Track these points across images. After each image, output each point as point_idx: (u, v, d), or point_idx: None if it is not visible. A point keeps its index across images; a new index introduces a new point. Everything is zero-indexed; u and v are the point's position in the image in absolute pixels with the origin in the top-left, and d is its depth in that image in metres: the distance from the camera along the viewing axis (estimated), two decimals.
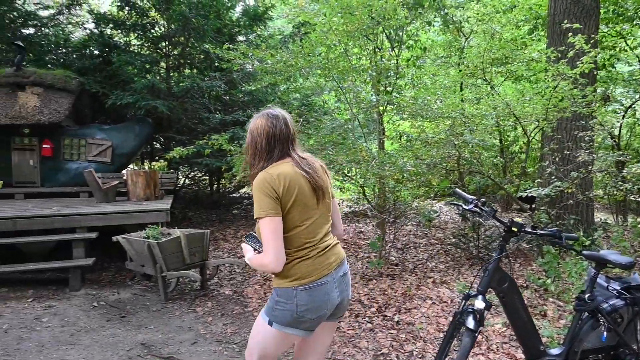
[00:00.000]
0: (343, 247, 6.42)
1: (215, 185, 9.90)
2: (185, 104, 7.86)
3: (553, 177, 4.35)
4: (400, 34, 7.48)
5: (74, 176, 6.87)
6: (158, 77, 7.63)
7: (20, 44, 6.74)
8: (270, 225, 1.73)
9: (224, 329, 3.76)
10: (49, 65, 8.02)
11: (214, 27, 7.95)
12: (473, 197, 2.42)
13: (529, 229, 2.28)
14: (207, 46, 7.95)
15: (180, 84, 7.64)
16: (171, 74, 8.51)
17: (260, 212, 1.75)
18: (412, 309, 3.95)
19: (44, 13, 8.95)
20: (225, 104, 8.75)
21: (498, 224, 2.30)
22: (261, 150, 1.87)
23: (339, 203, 10.32)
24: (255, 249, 1.86)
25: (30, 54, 8.16)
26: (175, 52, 8.66)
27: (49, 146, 6.77)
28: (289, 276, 1.82)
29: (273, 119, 1.88)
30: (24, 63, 6.98)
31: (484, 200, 2.37)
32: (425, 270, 5.08)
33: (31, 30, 8.67)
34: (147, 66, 7.97)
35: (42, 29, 8.93)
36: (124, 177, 6.65)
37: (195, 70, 8.79)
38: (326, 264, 1.86)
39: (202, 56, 8.57)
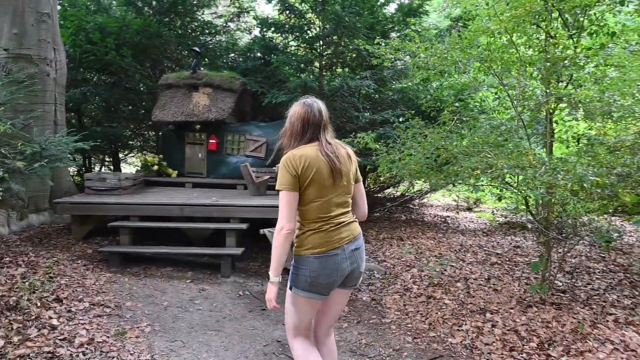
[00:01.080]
0: (496, 263, 5.74)
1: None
2: (335, 103, 7.92)
3: None
4: (581, 18, 6.34)
5: (233, 169, 7.46)
6: (311, 77, 7.83)
7: (197, 49, 7.58)
8: (285, 198, 2.06)
9: (358, 339, 3.56)
10: (219, 69, 8.89)
11: (366, 24, 7.84)
12: None
13: None
14: (358, 42, 7.89)
15: (331, 83, 7.71)
16: (324, 73, 8.69)
17: (279, 186, 2.09)
18: (585, 352, 3.21)
19: (218, 21, 9.99)
20: (374, 103, 8.60)
21: None
22: (296, 133, 2.17)
23: (493, 212, 9.37)
24: None
25: (206, 59, 9.17)
26: (329, 51, 8.81)
27: (214, 141, 7.47)
28: (304, 245, 2.13)
29: (308, 107, 2.16)
30: (199, 67, 7.84)
31: None
32: (604, 303, 4.15)
33: (207, 38, 9.75)
34: (302, 66, 8.26)
35: (216, 36, 9.99)
36: (275, 172, 6.97)
37: (346, 69, 8.84)
38: (338, 238, 2.12)
39: (353, 54, 8.56)
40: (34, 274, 4.37)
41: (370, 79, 7.51)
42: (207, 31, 9.70)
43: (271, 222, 5.50)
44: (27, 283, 4.01)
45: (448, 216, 9.56)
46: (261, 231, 5.01)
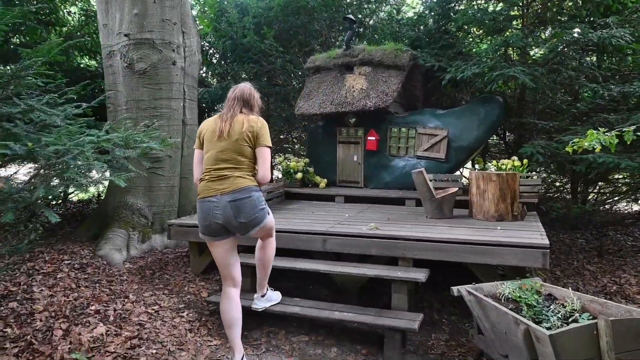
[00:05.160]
0: None
1: (579, 195, 6.75)
2: (552, 75, 5.21)
3: None
4: None
5: (400, 176, 5.39)
6: (516, 34, 5.21)
7: (351, 17, 5.72)
8: (194, 154, 2.75)
9: None
10: (379, 44, 6.93)
11: None
12: None
13: None
14: None
15: (552, 40, 5.02)
16: (528, 36, 5.98)
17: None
18: None
19: None
20: (615, 72, 5.55)
21: None
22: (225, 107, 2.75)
23: None
24: None
25: (364, 41, 7.31)
26: (537, 3, 6.06)
27: (374, 138, 5.51)
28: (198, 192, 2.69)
29: (233, 88, 2.76)
30: (354, 40, 5.98)
31: None
32: None
33: (367, 11, 7.88)
34: (497, 26, 5.71)
35: (376, 10, 8.05)
36: (464, 182, 4.65)
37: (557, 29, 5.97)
38: (215, 188, 2.55)
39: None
40: (116, 336, 2.98)
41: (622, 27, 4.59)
42: (366, 5, 7.84)
43: (471, 275, 3.26)
44: None
45: None
46: (455, 290, 2.81)
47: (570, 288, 2.85)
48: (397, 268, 3.34)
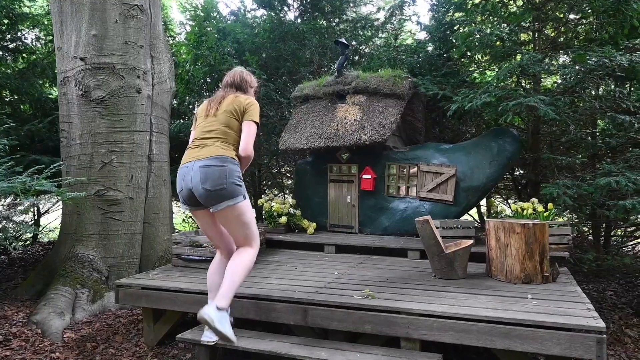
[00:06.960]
0: None
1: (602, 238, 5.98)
2: (572, 103, 4.55)
3: None
4: None
5: (400, 221, 4.63)
6: (529, 57, 4.54)
7: (344, 41, 5.10)
8: (190, 136, 2.77)
9: None
10: (375, 70, 6.31)
11: None
12: None
13: None
14: None
15: (572, 64, 4.37)
16: (542, 61, 5.35)
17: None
18: None
19: (376, 16, 7.51)
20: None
21: None
22: None
23: None
24: None
25: (360, 69, 6.72)
26: (549, 28, 5.48)
27: (370, 176, 4.78)
28: None
29: (226, 76, 2.83)
30: (347, 67, 5.36)
31: None
32: None
33: (361, 38, 7.33)
34: (505, 50, 5.08)
35: (373, 37, 7.50)
36: (476, 224, 3.90)
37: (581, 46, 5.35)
38: (193, 155, 2.56)
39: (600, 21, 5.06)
40: None
41: None
42: (362, 32, 7.30)
43: (494, 357, 2.46)
44: None
45: None
46: None
47: None
48: (399, 352, 2.53)
